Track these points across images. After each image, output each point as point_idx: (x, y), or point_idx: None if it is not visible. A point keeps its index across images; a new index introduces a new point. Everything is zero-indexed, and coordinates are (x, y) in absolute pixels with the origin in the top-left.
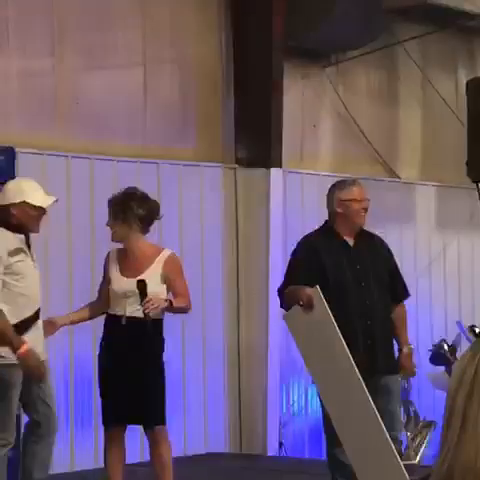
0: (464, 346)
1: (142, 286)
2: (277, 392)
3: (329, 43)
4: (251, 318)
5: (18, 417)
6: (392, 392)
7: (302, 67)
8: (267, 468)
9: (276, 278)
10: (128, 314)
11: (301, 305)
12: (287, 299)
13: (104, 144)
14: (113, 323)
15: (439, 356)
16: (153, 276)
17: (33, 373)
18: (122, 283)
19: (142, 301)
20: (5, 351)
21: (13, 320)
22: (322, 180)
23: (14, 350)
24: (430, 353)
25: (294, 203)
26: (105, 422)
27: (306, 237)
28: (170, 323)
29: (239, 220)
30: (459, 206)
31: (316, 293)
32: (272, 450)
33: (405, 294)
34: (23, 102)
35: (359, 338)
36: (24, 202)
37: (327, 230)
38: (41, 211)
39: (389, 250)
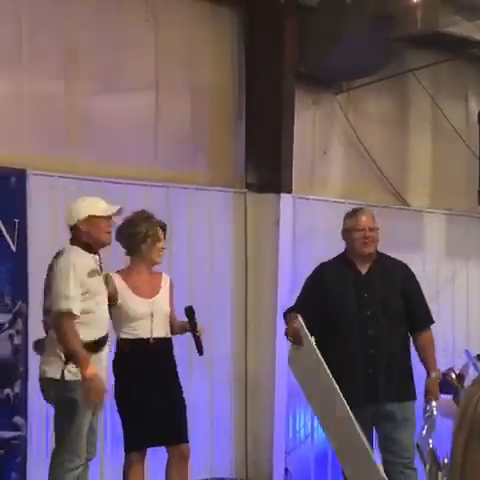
0: (472, 375)
1: (191, 312)
2: (283, 419)
3: (340, 70)
4: (259, 344)
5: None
6: (396, 419)
7: (313, 93)
8: None
9: (285, 303)
10: (155, 335)
11: (290, 340)
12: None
13: (114, 167)
14: (137, 346)
15: (447, 384)
16: (166, 297)
17: (93, 398)
18: (144, 305)
19: (192, 327)
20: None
21: (84, 340)
22: (331, 206)
23: (82, 370)
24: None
25: (303, 229)
26: (132, 445)
27: (320, 264)
28: (177, 348)
29: (248, 245)
30: (469, 234)
31: (299, 322)
32: (278, 477)
33: (427, 321)
34: (34, 125)
35: (358, 367)
36: (90, 216)
37: (342, 258)
38: (108, 220)
39: (411, 277)
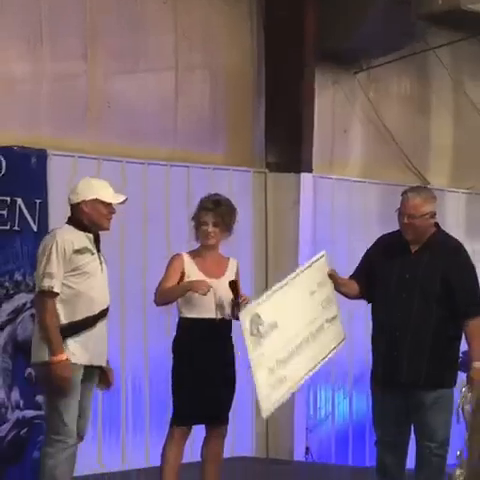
0: None
1: (234, 285)
2: (304, 397)
3: (360, 49)
4: None
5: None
6: (425, 404)
7: (333, 72)
8: (293, 473)
9: None
10: (220, 316)
11: None
12: None
13: (135, 147)
14: (199, 325)
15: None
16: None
17: (57, 384)
18: (213, 285)
19: (236, 299)
20: (67, 351)
21: (67, 320)
22: (352, 185)
23: (52, 354)
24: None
25: (324, 208)
26: (178, 420)
27: (382, 235)
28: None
29: (268, 224)
30: None
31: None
32: (299, 455)
33: (467, 311)
34: (55, 105)
35: (384, 348)
36: (95, 199)
37: (399, 234)
38: (111, 209)
39: (458, 262)
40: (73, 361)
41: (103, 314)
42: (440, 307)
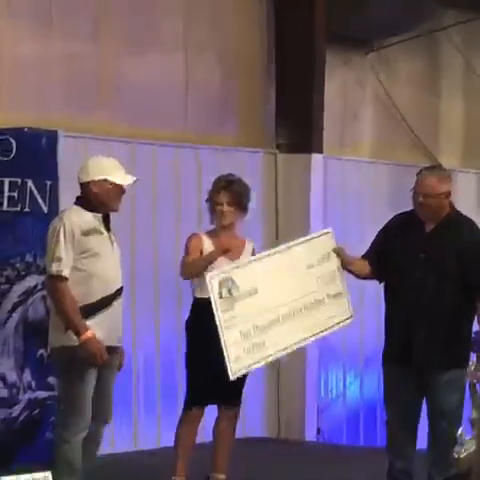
0: None
1: None
2: (315, 378)
3: (371, 29)
4: None
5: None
6: (438, 383)
7: (344, 53)
8: (304, 453)
9: None
10: None
11: None
12: None
13: (145, 129)
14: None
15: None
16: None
17: (93, 360)
18: (224, 265)
19: None
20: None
21: (82, 302)
22: (362, 166)
23: (76, 335)
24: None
25: (334, 189)
26: (192, 401)
27: (396, 214)
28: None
29: (279, 206)
30: None
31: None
32: (310, 436)
33: None
34: (65, 86)
35: (397, 328)
36: (105, 180)
37: (414, 212)
38: (121, 190)
39: (474, 240)
40: None
41: (118, 293)
42: (455, 287)
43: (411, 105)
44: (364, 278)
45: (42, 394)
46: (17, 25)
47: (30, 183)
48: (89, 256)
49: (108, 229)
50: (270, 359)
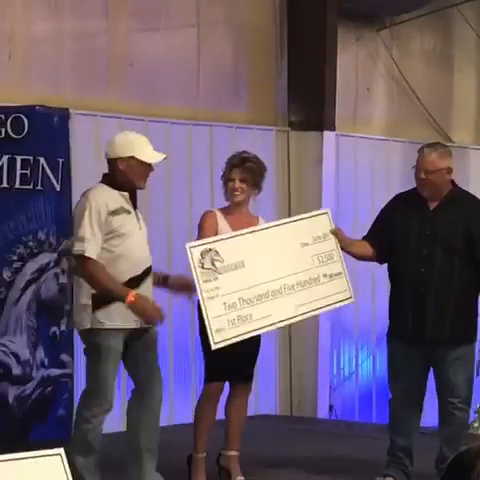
0: None
1: None
2: (328, 355)
3: (383, 5)
4: None
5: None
6: (447, 359)
7: (356, 30)
8: (317, 431)
9: None
10: None
11: None
12: None
13: (157, 106)
14: None
15: None
16: None
17: (149, 318)
18: None
19: None
20: (104, 316)
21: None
22: (375, 143)
23: (123, 301)
24: None
25: (347, 166)
26: (212, 377)
27: (397, 194)
28: None
29: (291, 183)
30: None
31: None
32: (322, 413)
33: None
34: (77, 64)
35: (408, 304)
36: (132, 157)
37: (415, 191)
38: (149, 168)
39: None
40: (120, 326)
41: (147, 273)
42: (462, 262)
43: (424, 82)
44: (364, 260)
45: (55, 372)
46: (29, 3)
47: (42, 161)
48: (116, 236)
49: (135, 207)
50: (255, 333)
